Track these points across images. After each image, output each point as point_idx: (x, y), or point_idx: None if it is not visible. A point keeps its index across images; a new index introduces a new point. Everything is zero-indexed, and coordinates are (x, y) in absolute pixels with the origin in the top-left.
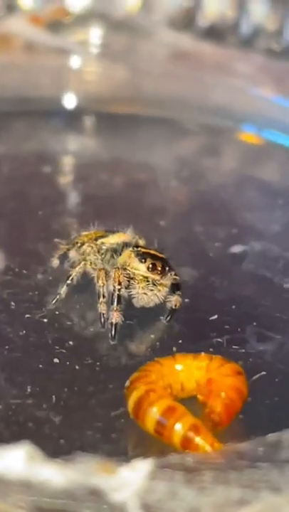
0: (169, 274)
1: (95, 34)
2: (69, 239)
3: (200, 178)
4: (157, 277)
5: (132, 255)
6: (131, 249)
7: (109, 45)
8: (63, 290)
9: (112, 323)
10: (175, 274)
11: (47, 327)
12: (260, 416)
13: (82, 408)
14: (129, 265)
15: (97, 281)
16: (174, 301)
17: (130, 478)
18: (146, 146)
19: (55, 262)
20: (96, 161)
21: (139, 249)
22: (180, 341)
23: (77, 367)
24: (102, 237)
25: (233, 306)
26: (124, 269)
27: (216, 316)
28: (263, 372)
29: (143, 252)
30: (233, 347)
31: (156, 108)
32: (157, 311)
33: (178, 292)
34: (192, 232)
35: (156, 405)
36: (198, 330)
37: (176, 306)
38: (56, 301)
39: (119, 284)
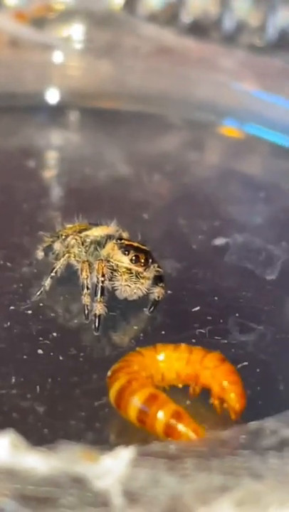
0: (152, 267)
1: (78, 30)
2: (53, 231)
3: (183, 172)
4: (140, 269)
5: (116, 247)
6: (114, 241)
7: (93, 41)
8: (47, 282)
9: (95, 315)
10: (158, 266)
11: (31, 318)
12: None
13: (66, 398)
14: (112, 257)
15: (81, 273)
16: (157, 292)
17: (113, 465)
18: (129, 141)
19: (40, 254)
20: (80, 155)
21: (122, 241)
22: (163, 332)
23: (61, 358)
24: (85, 229)
25: (216, 298)
26: (108, 261)
27: (198, 308)
28: (245, 363)
29: (126, 245)
30: (215, 338)
31: (139, 103)
32: (140, 303)
33: (161, 284)
34: (175, 225)
35: (138, 394)
36: (181, 321)
37: (158, 297)
38: (40, 293)
39: (103, 275)
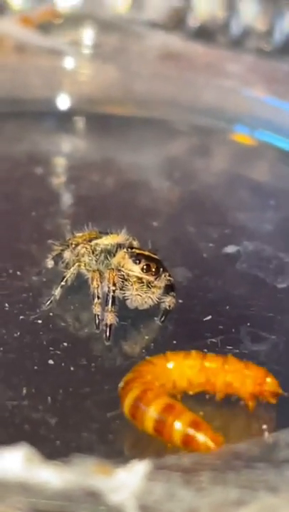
0: (163, 276)
1: (85, 35)
2: (63, 240)
3: (192, 178)
4: (151, 278)
5: (126, 256)
6: (125, 250)
7: (100, 46)
8: (57, 291)
9: (106, 324)
10: (169, 275)
11: (41, 328)
12: (257, 416)
13: (78, 409)
14: (123, 266)
15: (92, 283)
16: (168, 302)
17: (127, 479)
18: (137, 147)
19: (50, 263)
20: (88, 162)
21: (133, 250)
22: (174, 342)
23: (72, 368)
24: (95, 238)
25: (227, 307)
26: (119, 270)
27: (209, 317)
28: None
29: (137, 253)
30: (227, 347)
31: (147, 109)
32: (151, 312)
33: (172, 293)
34: (185, 233)
35: (154, 404)
36: (192, 330)
37: (170, 306)
38: (50, 303)
39: (114, 285)
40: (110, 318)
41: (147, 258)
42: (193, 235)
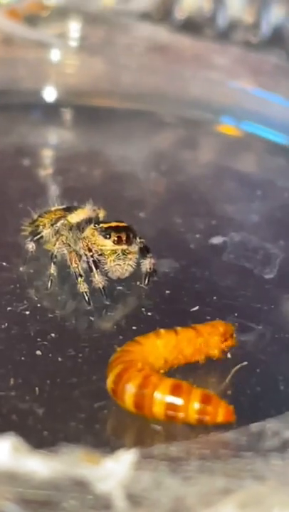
0: (134, 241)
1: (72, 27)
2: (31, 220)
3: (179, 170)
4: (125, 247)
5: (96, 233)
6: (93, 226)
7: (87, 39)
8: (53, 268)
9: (99, 288)
10: (140, 238)
11: (29, 319)
12: (243, 406)
13: (66, 400)
14: (95, 243)
15: (71, 264)
16: (148, 264)
17: (115, 468)
18: (125, 139)
19: (31, 246)
20: (75, 153)
21: (100, 225)
22: None
23: (59, 359)
24: (63, 216)
25: (214, 297)
26: (89, 248)
27: (196, 307)
28: (245, 363)
29: (105, 228)
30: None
31: (134, 101)
32: (139, 303)
33: (148, 255)
34: (172, 224)
35: (133, 380)
36: (180, 321)
37: (150, 268)
38: (51, 282)
39: (90, 250)
40: (99, 280)
41: (116, 229)
42: (180, 226)
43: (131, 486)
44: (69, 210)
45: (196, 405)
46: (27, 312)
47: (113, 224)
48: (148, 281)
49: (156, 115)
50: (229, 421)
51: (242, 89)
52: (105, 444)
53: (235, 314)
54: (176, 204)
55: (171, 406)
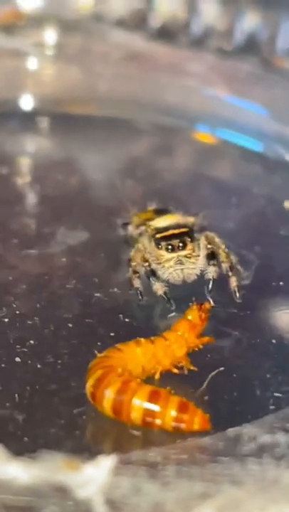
0: (199, 243)
1: (48, 36)
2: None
3: (155, 177)
4: (182, 253)
5: (152, 244)
6: (152, 236)
7: (63, 47)
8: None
9: (160, 296)
10: (209, 244)
11: (8, 326)
12: (220, 411)
13: (45, 406)
14: (151, 252)
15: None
16: (210, 272)
17: (95, 474)
18: (101, 146)
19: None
20: (52, 161)
21: (156, 235)
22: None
23: (39, 366)
24: (151, 219)
25: (190, 304)
26: (146, 258)
27: (173, 313)
28: (221, 368)
29: (158, 237)
30: None
31: (110, 109)
32: (116, 309)
33: (212, 262)
34: None
35: (112, 385)
36: (156, 327)
37: (213, 277)
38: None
39: (145, 260)
40: (157, 288)
41: (167, 238)
42: None
43: (110, 492)
44: (159, 213)
45: (173, 413)
46: (6, 319)
47: (168, 233)
48: (210, 289)
49: (132, 123)
50: (205, 429)
51: (217, 97)
52: (85, 449)
53: (212, 320)
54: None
55: (148, 412)
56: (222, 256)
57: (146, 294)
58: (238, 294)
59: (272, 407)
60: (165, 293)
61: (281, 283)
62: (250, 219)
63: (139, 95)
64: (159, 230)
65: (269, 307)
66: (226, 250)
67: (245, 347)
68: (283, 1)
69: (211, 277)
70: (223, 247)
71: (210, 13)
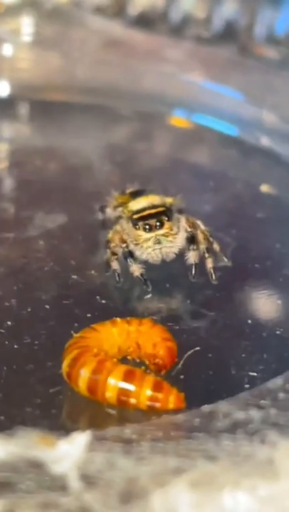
0: (178, 222)
1: (26, 23)
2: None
3: (133, 162)
4: (160, 232)
5: (130, 225)
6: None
7: (42, 34)
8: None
9: (137, 277)
10: (190, 227)
11: None
12: (195, 389)
13: (22, 386)
14: (129, 233)
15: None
16: (191, 256)
17: (69, 450)
18: (79, 132)
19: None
20: (30, 147)
21: (133, 216)
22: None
23: (16, 346)
24: (127, 201)
25: (167, 285)
26: (124, 239)
27: (150, 295)
28: (197, 348)
29: (135, 218)
30: (168, 324)
31: (88, 95)
32: (96, 291)
33: (191, 246)
34: None
35: (87, 365)
36: (133, 308)
37: (194, 261)
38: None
39: (123, 241)
40: (134, 269)
41: (144, 218)
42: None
43: (85, 467)
44: (136, 195)
45: (148, 392)
46: None
47: (145, 213)
48: (194, 274)
49: (111, 109)
50: (180, 408)
51: (194, 83)
52: (61, 428)
53: (188, 301)
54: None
55: (123, 392)
56: (200, 237)
57: (123, 275)
58: (214, 276)
59: (246, 386)
60: (142, 274)
61: (257, 265)
62: (226, 202)
63: (118, 82)
64: (136, 211)
65: (245, 288)
66: (206, 232)
67: (220, 327)
68: None
69: (192, 262)
70: (202, 228)
71: (188, 1)
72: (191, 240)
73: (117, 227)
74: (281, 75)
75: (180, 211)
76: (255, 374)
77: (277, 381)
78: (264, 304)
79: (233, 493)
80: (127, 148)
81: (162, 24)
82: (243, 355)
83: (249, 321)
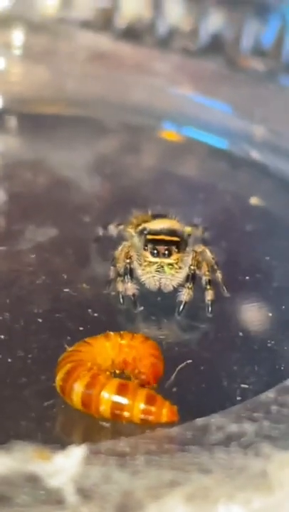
0: (181, 257)
1: (16, 36)
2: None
3: (122, 175)
4: (166, 261)
5: (141, 243)
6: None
7: (31, 47)
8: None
9: (128, 296)
10: (193, 266)
11: None
12: (188, 402)
13: (16, 399)
14: (138, 252)
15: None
16: (184, 294)
17: (65, 464)
18: (69, 145)
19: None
20: (20, 160)
21: (147, 235)
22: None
23: (9, 360)
24: (147, 221)
25: (158, 298)
26: (129, 255)
27: (142, 308)
28: (189, 361)
29: (148, 239)
30: (160, 337)
31: (77, 108)
32: (87, 304)
33: (188, 284)
34: None
35: (81, 379)
36: (125, 321)
37: (186, 300)
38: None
39: (128, 257)
40: (127, 287)
41: (156, 242)
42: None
43: (81, 481)
44: (158, 217)
45: (141, 405)
46: None
47: (159, 237)
48: (179, 311)
49: (100, 121)
50: (173, 421)
51: (182, 95)
52: (55, 441)
53: (177, 317)
54: (120, 208)
55: (117, 405)
56: (204, 269)
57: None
58: (210, 309)
59: (238, 398)
60: (134, 295)
61: (247, 277)
62: (216, 215)
63: (106, 94)
64: (152, 232)
65: (235, 301)
66: (214, 265)
67: (212, 340)
68: (247, 1)
69: (182, 300)
70: (212, 261)
71: (175, 14)
72: (190, 278)
73: (127, 243)
74: (269, 88)
75: (204, 242)
76: (247, 386)
77: (270, 394)
78: (255, 317)
79: (227, 506)
80: (116, 161)
81: (149, 37)
82: (235, 368)
83: (240, 334)
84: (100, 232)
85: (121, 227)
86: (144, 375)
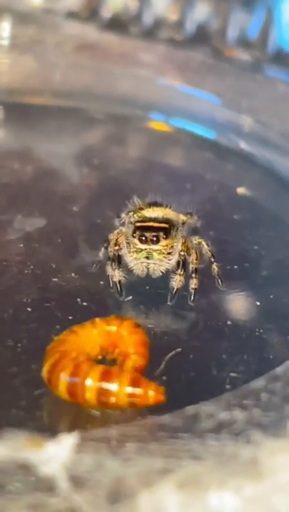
0: (175, 244)
1: (2, 27)
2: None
3: (109, 165)
4: (154, 247)
5: (131, 230)
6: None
7: (17, 38)
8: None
9: (114, 282)
10: (183, 251)
11: None
12: (178, 391)
13: (6, 388)
14: (128, 238)
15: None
16: (174, 281)
17: (57, 451)
18: (56, 136)
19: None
20: (7, 150)
21: (137, 223)
22: None
23: None
24: (142, 209)
25: (147, 287)
26: (118, 242)
27: (130, 297)
28: (178, 349)
29: (137, 226)
30: (149, 326)
31: (64, 98)
32: (76, 293)
33: (179, 271)
34: (104, 217)
35: (66, 368)
36: (114, 310)
37: (177, 286)
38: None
39: (116, 244)
40: (114, 274)
41: (144, 228)
42: (112, 219)
43: (73, 468)
44: (154, 205)
45: (127, 389)
46: None
47: (148, 223)
48: (172, 298)
49: (86, 112)
50: (160, 401)
51: (169, 86)
52: (46, 429)
53: (168, 303)
54: (107, 198)
55: (102, 391)
56: (193, 256)
57: (100, 277)
58: (192, 298)
59: (228, 387)
60: (120, 281)
61: (235, 266)
62: (203, 205)
63: (93, 85)
64: (142, 219)
65: (224, 290)
66: (211, 257)
67: (201, 329)
68: None
69: (174, 286)
70: (209, 253)
71: (160, 4)
72: (180, 264)
73: (122, 229)
74: (255, 79)
75: (195, 230)
76: (236, 375)
77: (260, 382)
78: (243, 305)
79: (218, 493)
80: (103, 151)
81: (135, 27)
82: (224, 356)
83: (229, 323)
84: (116, 222)
85: (131, 213)
86: (134, 357)
